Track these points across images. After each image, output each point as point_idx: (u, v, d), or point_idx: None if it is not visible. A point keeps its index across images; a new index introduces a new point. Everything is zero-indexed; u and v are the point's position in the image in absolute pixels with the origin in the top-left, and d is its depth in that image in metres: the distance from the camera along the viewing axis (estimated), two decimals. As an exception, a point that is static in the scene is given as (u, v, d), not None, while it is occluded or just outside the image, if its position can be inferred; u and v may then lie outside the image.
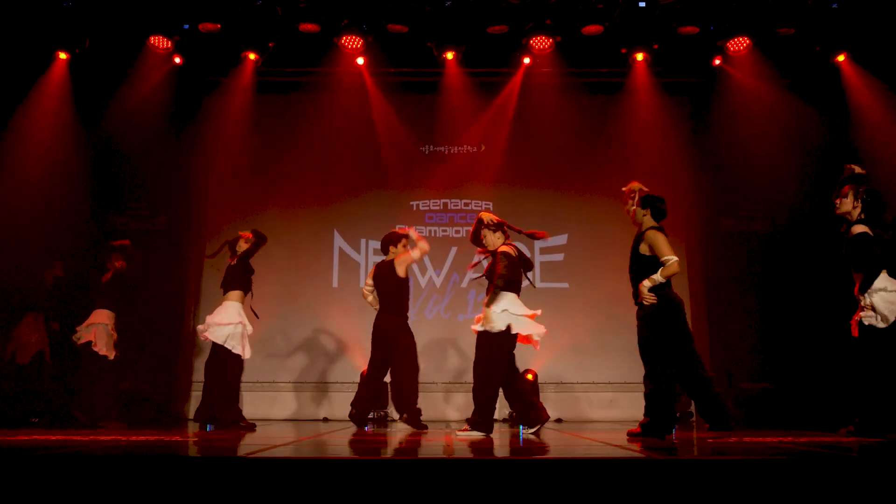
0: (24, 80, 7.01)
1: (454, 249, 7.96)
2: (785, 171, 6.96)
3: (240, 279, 5.86)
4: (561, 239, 8.13)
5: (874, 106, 6.76)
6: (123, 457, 3.01)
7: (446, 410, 7.69)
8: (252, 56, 7.29)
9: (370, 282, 6.02)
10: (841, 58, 6.92)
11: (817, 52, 7.04)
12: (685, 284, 7.88)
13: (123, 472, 2.60)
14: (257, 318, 6.00)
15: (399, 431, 5.51)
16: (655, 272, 4.39)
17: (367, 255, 8.10)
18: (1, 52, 6.84)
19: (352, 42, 7.25)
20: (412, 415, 5.71)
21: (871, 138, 6.73)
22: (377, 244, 7.96)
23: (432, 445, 3.92)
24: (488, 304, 4.73)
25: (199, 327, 5.93)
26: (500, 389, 4.93)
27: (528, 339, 4.86)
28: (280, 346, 7.82)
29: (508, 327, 4.71)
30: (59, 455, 2.96)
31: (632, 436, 4.43)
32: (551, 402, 7.37)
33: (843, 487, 2.56)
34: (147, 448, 3.40)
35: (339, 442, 4.18)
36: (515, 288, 4.88)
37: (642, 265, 4.50)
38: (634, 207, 4.64)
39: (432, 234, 8.13)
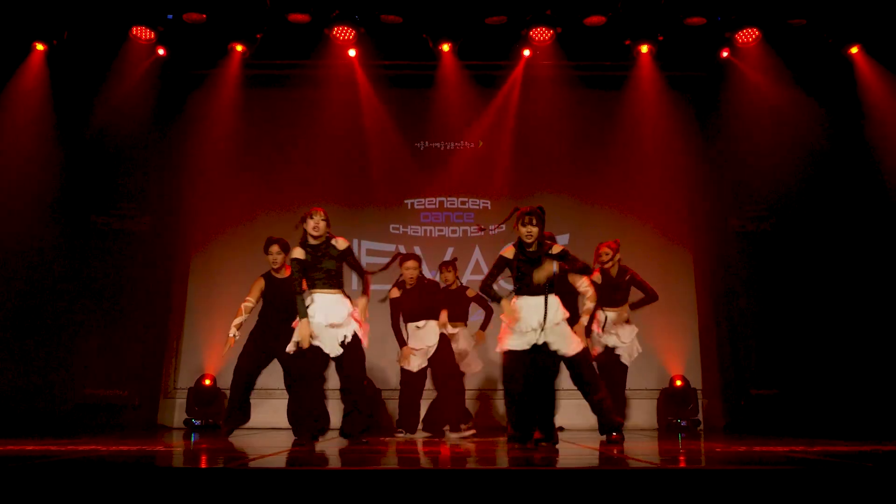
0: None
1: (450, 250, 7.64)
2: (793, 169, 6.77)
3: None
4: (563, 239, 7.86)
5: (888, 101, 6.55)
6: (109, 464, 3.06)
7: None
8: (239, 48, 7.12)
9: None
10: (854, 50, 6.72)
11: (829, 45, 6.83)
12: (692, 287, 7.68)
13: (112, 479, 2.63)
14: None
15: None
16: None
17: (361, 256, 7.83)
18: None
19: (343, 33, 7.05)
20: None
21: (885, 135, 6.54)
22: (370, 244, 7.85)
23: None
24: None
25: None
26: None
27: None
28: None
29: None
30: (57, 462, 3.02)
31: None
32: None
33: (859, 499, 2.50)
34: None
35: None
36: None
37: None
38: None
39: (428, 234, 7.89)
